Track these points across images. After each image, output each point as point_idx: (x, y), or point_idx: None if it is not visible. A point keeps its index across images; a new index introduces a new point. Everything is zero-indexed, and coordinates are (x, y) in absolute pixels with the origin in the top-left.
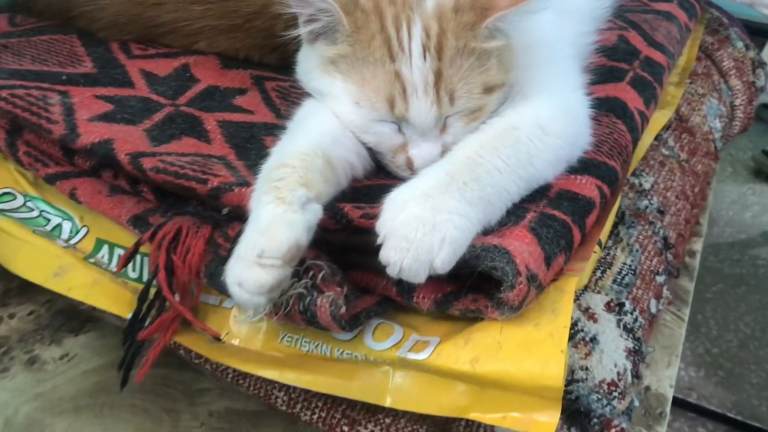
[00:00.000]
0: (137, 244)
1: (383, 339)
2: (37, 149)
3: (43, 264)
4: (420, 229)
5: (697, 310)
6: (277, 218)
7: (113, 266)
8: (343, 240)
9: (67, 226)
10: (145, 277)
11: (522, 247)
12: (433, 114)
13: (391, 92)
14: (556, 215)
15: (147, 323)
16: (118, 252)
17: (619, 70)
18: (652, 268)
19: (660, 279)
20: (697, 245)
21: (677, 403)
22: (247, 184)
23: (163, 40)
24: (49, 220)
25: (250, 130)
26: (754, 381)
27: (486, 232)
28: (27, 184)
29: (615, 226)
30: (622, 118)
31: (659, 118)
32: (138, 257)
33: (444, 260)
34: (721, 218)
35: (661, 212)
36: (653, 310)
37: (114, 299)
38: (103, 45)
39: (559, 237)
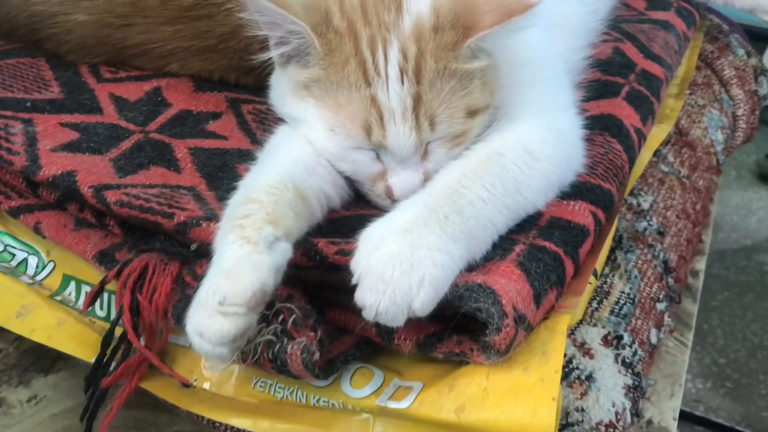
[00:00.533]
0: (102, 283)
1: (362, 385)
2: (0, 181)
3: (5, 304)
4: (397, 268)
5: (703, 319)
6: (241, 260)
7: (80, 304)
8: (318, 277)
9: (33, 261)
10: (113, 315)
11: (509, 285)
12: (412, 141)
13: (366, 118)
14: (547, 247)
15: (112, 368)
16: (86, 289)
17: (614, 84)
18: (652, 295)
19: (660, 306)
20: (700, 264)
21: (684, 416)
22: (216, 218)
23: (134, 62)
24: (14, 255)
25: (223, 157)
26: (764, 392)
27: (470, 267)
28: None
29: (612, 251)
30: (617, 136)
31: (658, 133)
32: (105, 294)
33: (423, 302)
34: (726, 224)
35: (661, 233)
36: (654, 340)
37: (79, 341)
38: (72, 68)
39: (549, 271)
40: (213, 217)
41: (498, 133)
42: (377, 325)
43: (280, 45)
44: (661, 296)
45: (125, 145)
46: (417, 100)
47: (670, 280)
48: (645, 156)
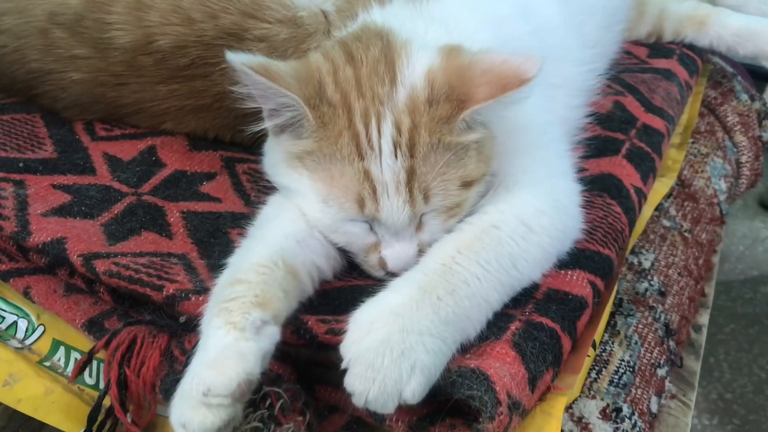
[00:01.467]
0: (91, 353)
1: None
2: None
3: None
4: (387, 356)
5: (709, 352)
6: (227, 349)
7: (69, 371)
8: (309, 354)
9: (23, 324)
10: (102, 383)
11: (503, 370)
12: (405, 214)
13: (359, 192)
14: (544, 323)
15: None
16: (75, 356)
17: (615, 141)
18: (652, 361)
19: (661, 372)
20: (703, 318)
21: None
22: (206, 290)
23: (129, 120)
24: (3, 318)
25: (216, 222)
26: None
27: (464, 347)
28: None
29: (612, 315)
30: (617, 198)
31: (660, 188)
32: (94, 362)
33: (414, 391)
34: (732, 254)
35: (663, 294)
36: (654, 408)
37: (66, 413)
38: (66, 125)
39: (545, 351)
40: (202, 291)
41: (494, 205)
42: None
43: (273, 116)
44: (661, 361)
45: (117, 209)
46: (411, 174)
47: (672, 344)
48: (646, 212)
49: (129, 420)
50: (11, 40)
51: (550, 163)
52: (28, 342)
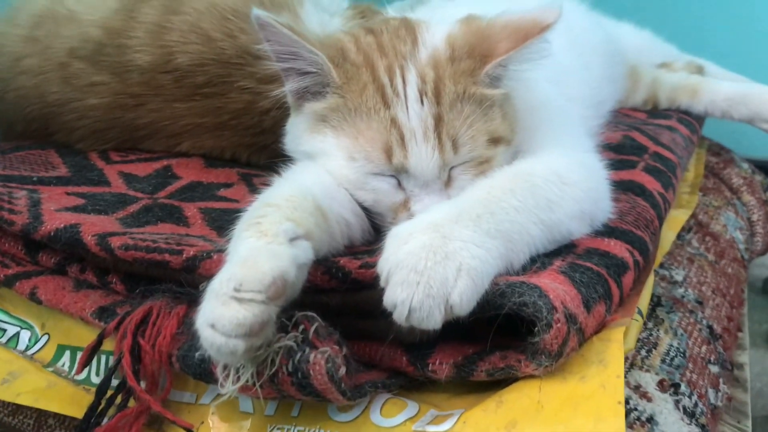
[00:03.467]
0: (101, 336)
1: (394, 414)
2: None
3: None
4: (431, 258)
5: None
6: (259, 249)
7: (74, 373)
8: (339, 301)
9: (25, 335)
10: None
11: (555, 285)
12: (435, 161)
13: (387, 140)
14: (589, 266)
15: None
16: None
17: (630, 161)
18: (702, 355)
19: (714, 369)
20: (743, 357)
21: None
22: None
23: (145, 144)
24: (5, 331)
25: (236, 214)
26: None
27: (508, 274)
28: None
29: (653, 309)
30: (641, 196)
31: (679, 215)
32: (102, 357)
33: (463, 293)
34: (751, 390)
35: (700, 303)
36: (713, 400)
37: (69, 402)
38: (81, 155)
39: (595, 283)
40: (225, 250)
41: (524, 160)
42: (409, 349)
43: (296, 78)
44: (712, 359)
45: (132, 208)
46: (438, 120)
47: (719, 347)
48: (669, 236)
49: (143, 386)
50: (30, 79)
51: (574, 138)
52: (30, 352)
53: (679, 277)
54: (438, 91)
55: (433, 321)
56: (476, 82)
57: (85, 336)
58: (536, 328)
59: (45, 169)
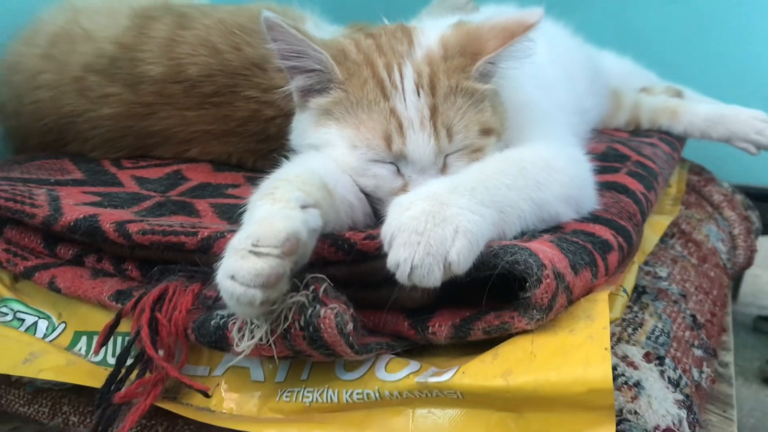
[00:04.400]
0: (119, 316)
1: (398, 370)
2: (17, 245)
3: (11, 353)
4: (430, 221)
5: None
6: (274, 212)
7: (92, 354)
8: (345, 273)
9: (43, 324)
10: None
11: (543, 248)
12: (431, 148)
13: (387, 129)
14: (576, 240)
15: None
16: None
17: (614, 167)
18: (686, 339)
19: (698, 352)
20: (728, 357)
21: None
22: None
23: (156, 151)
24: (23, 321)
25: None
26: None
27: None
28: (2, 288)
29: (638, 297)
30: (624, 193)
31: (661, 220)
32: (119, 339)
33: (460, 252)
34: (744, 427)
35: (684, 296)
36: (696, 377)
37: (89, 375)
38: (94, 162)
39: (581, 253)
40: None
41: (513, 148)
42: (411, 314)
43: (302, 75)
44: (696, 343)
45: (146, 204)
46: (434, 110)
47: (702, 335)
48: (653, 238)
49: (161, 355)
50: (47, 92)
51: (559, 135)
52: (48, 339)
53: (663, 274)
54: (433, 84)
55: (433, 278)
56: (468, 77)
57: (102, 321)
58: (527, 284)
59: (61, 173)
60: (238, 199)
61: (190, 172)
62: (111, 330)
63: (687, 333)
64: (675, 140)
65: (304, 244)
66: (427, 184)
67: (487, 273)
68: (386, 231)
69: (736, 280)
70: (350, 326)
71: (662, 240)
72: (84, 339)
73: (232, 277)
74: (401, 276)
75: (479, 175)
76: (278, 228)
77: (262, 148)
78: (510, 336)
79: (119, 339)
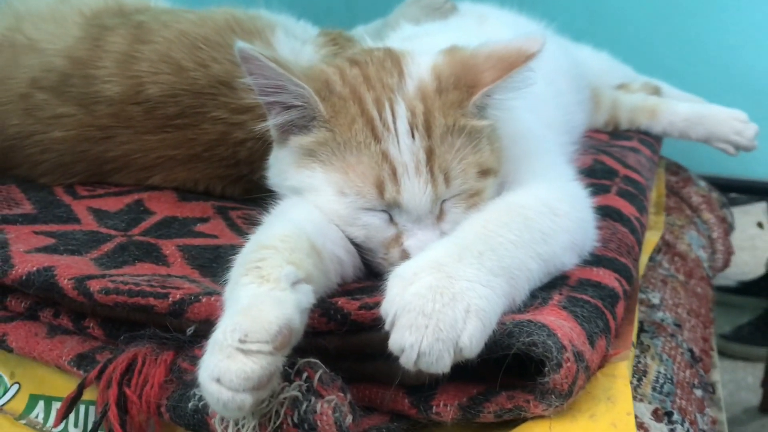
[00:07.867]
0: (81, 386)
1: None
2: None
3: None
4: (438, 300)
5: None
6: (262, 296)
7: (50, 424)
8: (338, 344)
9: None
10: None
11: (560, 322)
12: (428, 195)
13: (379, 175)
14: (585, 299)
15: None
16: (57, 407)
17: (604, 185)
18: (687, 380)
19: (698, 393)
20: (716, 375)
21: None
22: (218, 293)
23: (113, 177)
24: None
25: (215, 251)
26: None
27: (512, 312)
28: None
29: (637, 335)
30: (619, 221)
31: (650, 238)
32: (82, 408)
33: (472, 336)
34: None
35: (678, 326)
36: (701, 425)
37: None
38: (45, 189)
39: (594, 317)
40: (213, 292)
41: (513, 192)
42: (411, 391)
43: (281, 112)
44: (696, 383)
45: (107, 247)
46: (430, 154)
47: (700, 370)
48: (643, 258)
49: None
50: None
51: (556, 167)
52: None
53: (656, 300)
54: (428, 125)
55: (443, 365)
56: (465, 114)
57: (60, 385)
58: (546, 368)
59: (8, 206)
60: (208, 238)
61: (152, 202)
62: (73, 402)
63: (687, 372)
64: (654, 141)
65: (297, 331)
66: (428, 248)
67: (501, 354)
68: (388, 308)
69: None
70: (349, 419)
71: (650, 257)
72: (41, 404)
73: (218, 381)
74: (406, 362)
75: (483, 232)
76: (269, 319)
77: (232, 173)
78: (524, 419)
79: (82, 408)
